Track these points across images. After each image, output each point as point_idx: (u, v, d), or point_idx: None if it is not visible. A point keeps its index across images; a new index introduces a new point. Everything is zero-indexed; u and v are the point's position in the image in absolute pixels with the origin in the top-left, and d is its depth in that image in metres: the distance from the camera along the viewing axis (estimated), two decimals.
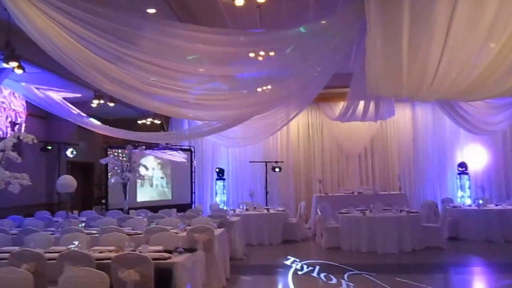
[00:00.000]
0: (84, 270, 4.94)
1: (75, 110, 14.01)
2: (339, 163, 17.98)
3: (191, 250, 6.72)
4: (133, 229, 9.30)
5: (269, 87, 10.72)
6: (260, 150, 17.55)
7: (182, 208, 14.02)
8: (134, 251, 6.29)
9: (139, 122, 16.39)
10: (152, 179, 16.43)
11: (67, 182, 9.53)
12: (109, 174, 14.12)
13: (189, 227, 8.62)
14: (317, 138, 18.09)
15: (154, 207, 13.87)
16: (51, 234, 8.66)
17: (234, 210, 14.16)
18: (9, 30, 8.26)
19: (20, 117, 14.40)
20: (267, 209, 14.18)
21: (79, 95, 13.75)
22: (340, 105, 14.96)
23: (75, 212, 12.70)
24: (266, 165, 16.75)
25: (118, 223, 10.40)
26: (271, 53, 9.81)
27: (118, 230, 8.39)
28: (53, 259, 5.98)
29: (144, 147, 12.52)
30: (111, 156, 12.73)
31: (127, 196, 12.23)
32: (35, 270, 5.65)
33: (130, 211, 12.07)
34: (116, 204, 13.62)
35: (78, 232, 7.91)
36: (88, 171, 17.79)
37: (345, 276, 9.32)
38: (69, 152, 15.77)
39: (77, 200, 17.52)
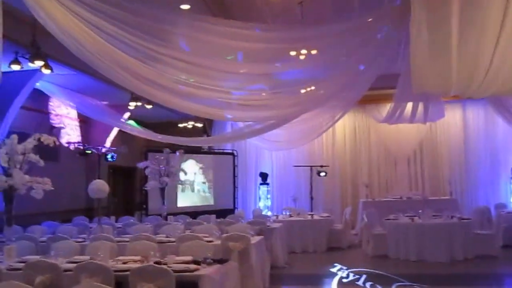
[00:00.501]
0: (93, 284, 4.50)
1: (114, 114, 13.86)
2: (387, 167, 17.27)
3: (222, 260, 6.22)
4: (166, 237, 8.90)
5: (312, 88, 10.33)
6: (305, 154, 17.05)
7: (225, 213, 13.55)
8: (159, 262, 5.83)
9: (180, 125, 16.06)
10: (193, 184, 16.06)
11: (99, 186, 9.17)
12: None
13: (224, 235, 8.13)
14: (363, 141, 17.46)
15: (195, 213, 13.47)
16: (82, 242, 8.37)
17: (276, 216, 13.62)
18: (36, 28, 8.03)
19: (61, 121, 14.29)
20: (311, 215, 13.60)
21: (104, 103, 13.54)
22: (387, 107, 14.26)
23: (113, 218, 12.48)
24: (311, 169, 16.24)
25: (154, 230, 10.09)
26: (313, 51, 9.40)
27: (149, 238, 7.99)
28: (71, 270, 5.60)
29: (183, 150, 12.12)
30: (149, 160, 12.33)
31: (165, 202, 11.85)
32: (50, 283, 5.30)
33: (168, 216, 11.70)
34: (156, 210, 13.25)
35: (105, 241, 7.52)
36: (130, 175, 17.62)
37: (393, 286, 8.66)
38: (109, 156, 15.60)
39: (119, 205, 17.40)
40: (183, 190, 15.56)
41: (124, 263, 6.20)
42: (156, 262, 5.81)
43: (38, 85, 12.27)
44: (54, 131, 14.14)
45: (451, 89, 7.23)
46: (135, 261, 6.19)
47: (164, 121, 16.65)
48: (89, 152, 15.24)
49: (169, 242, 8.35)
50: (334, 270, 10.35)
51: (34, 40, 8.35)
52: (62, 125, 14.15)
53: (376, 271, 10.05)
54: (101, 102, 14.24)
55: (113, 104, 14.34)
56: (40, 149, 13.63)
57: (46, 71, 8.62)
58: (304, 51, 9.40)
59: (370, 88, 10.39)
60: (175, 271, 5.56)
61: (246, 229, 8.90)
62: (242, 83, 10.34)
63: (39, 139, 7.19)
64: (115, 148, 15.97)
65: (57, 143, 7.32)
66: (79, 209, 14.46)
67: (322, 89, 10.25)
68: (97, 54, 6.88)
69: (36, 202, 12.69)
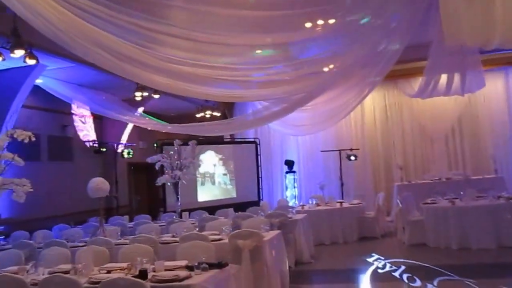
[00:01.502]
0: None
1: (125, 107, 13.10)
2: (423, 146, 15.95)
3: (220, 265, 5.24)
4: (173, 236, 8.03)
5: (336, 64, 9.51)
6: (332, 138, 15.96)
7: (249, 206, 12.58)
8: (145, 270, 4.90)
9: (198, 115, 15.16)
10: (213, 176, 15.17)
11: (98, 185, 8.31)
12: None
13: (232, 233, 7.17)
14: (396, 120, 16.16)
15: (216, 207, 12.54)
16: (83, 246, 7.57)
17: (302, 206, 12.60)
18: (17, 15, 7.25)
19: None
20: (340, 203, 12.51)
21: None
22: (420, 81, 13.05)
23: (126, 217, 11.79)
24: (339, 153, 15.29)
25: (167, 228, 9.36)
26: (331, 21, 8.48)
27: (149, 240, 7.12)
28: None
29: (195, 141, 11.20)
30: (160, 154, 11.47)
31: (179, 197, 10.99)
32: None
33: (183, 213, 10.84)
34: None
35: (98, 246, 6.67)
36: (152, 171, 16.81)
37: (435, 281, 7.50)
38: (125, 153, 14.87)
39: (142, 203, 16.70)
40: (202, 184, 14.71)
41: (109, 271, 5.34)
42: (141, 270, 4.90)
43: (41, 82, 11.64)
44: (67, 129, 13.54)
45: (494, 39, 5.97)
46: (122, 269, 5.31)
47: (181, 113, 15.82)
48: (104, 149, 14.55)
49: (174, 242, 7.47)
50: (370, 260, 9.34)
51: (15, 28, 7.54)
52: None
53: (415, 262, 8.94)
54: (113, 96, 13.47)
55: (126, 98, 13.57)
56: (53, 149, 13.13)
57: (30, 62, 7.86)
58: (320, 22, 8.41)
59: (400, 61, 9.42)
60: (161, 281, 4.66)
61: (260, 224, 7.94)
62: (260, 64, 9.55)
63: (12, 136, 6.29)
64: (131, 144, 15.27)
65: (33, 139, 6.33)
66: (98, 209, 13.74)
67: (345, 64, 9.36)
68: (70, 33, 6.00)
69: (51, 205, 12.21)
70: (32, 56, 7.79)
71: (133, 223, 10.91)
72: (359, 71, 10.20)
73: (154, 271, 5.04)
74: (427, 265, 8.57)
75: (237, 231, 7.13)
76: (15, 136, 6.20)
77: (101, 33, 6.24)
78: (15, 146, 11.53)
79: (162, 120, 16.15)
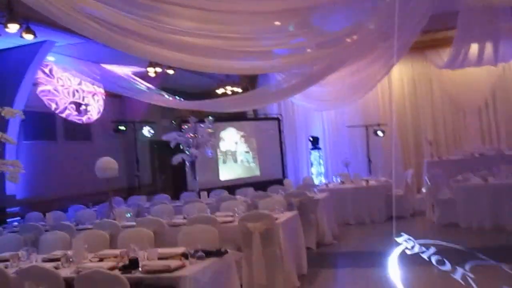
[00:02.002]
0: None
1: (143, 84, 12.66)
2: (454, 120, 15.04)
3: (219, 253, 4.76)
4: (184, 218, 7.60)
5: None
6: (359, 112, 15.19)
7: (273, 184, 12.09)
8: (135, 258, 4.47)
9: (218, 91, 14.66)
10: (235, 154, 14.69)
11: (105, 165, 7.93)
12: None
13: (241, 215, 6.70)
14: (425, 93, 15.26)
15: (239, 186, 12.08)
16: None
17: (326, 184, 12.05)
18: None
19: (86, 97, 13.24)
20: (366, 181, 11.88)
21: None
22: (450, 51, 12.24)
23: (143, 197, 11.49)
24: (366, 129, 14.61)
25: (181, 208, 8.85)
26: None
27: (154, 222, 6.74)
28: None
29: (211, 118, 10.77)
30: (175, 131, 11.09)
31: (196, 176, 10.62)
32: None
33: (201, 192, 10.47)
34: (202, 184, 11.83)
35: (97, 229, 6.30)
36: (176, 150, 16.51)
37: (467, 265, 6.90)
38: (146, 131, 14.54)
39: (167, 182, 16.41)
40: (224, 162, 14.26)
41: (101, 259, 4.93)
42: (132, 259, 4.48)
43: (52, 59, 11.34)
44: (82, 108, 13.23)
45: None
46: (115, 257, 4.89)
47: (203, 89, 15.34)
48: (123, 128, 14.23)
49: (184, 225, 7.02)
50: (397, 240, 8.77)
51: (9, 1, 7.14)
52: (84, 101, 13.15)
53: (445, 244, 8.34)
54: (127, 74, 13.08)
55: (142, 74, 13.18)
56: (70, 128, 12.87)
57: (27, 36, 7.44)
58: None
59: (428, 31, 9.12)
60: (150, 272, 4.23)
61: (277, 204, 7.47)
62: (281, 39, 9.07)
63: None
64: (153, 122, 14.93)
65: (23, 117, 5.93)
66: (120, 189, 13.48)
67: (367, 34, 8.79)
68: (61, 5, 5.56)
69: (70, 186, 11.99)
70: (29, 31, 7.38)
71: (150, 203, 10.61)
72: (382, 41, 9.58)
73: (147, 259, 4.61)
74: (458, 247, 7.99)
75: (246, 213, 6.68)
76: (2, 114, 5.78)
77: (95, 4, 5.81)
78: (29, 126, 11.32)
79: (183, 97, 15.77)
